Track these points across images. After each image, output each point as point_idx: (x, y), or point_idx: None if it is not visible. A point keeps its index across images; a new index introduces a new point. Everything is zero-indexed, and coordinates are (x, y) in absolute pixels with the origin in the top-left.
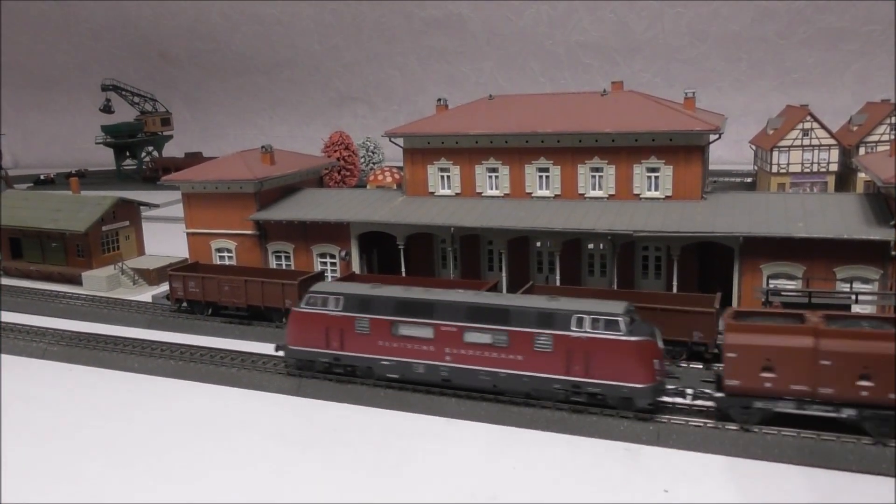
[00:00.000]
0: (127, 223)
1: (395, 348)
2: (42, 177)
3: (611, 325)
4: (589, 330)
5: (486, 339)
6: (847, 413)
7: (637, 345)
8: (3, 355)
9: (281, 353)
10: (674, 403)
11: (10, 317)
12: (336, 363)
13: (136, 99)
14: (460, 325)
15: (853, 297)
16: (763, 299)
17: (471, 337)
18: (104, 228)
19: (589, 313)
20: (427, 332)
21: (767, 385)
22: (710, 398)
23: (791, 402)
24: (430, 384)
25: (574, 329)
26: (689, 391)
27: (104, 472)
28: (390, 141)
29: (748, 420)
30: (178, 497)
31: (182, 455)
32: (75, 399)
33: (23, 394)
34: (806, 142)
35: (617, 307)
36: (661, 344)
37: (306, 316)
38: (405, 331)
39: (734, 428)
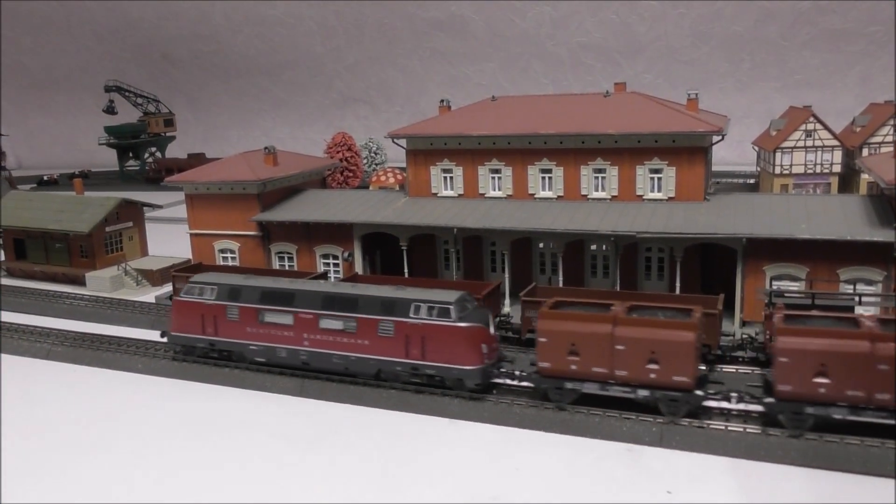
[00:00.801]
0: (130, 224)
1: (261, 334)
2: (45, 177)
3: (443, 312)
4: (424, 317)
5: (338, 325)
6: None
7: (466, 330)
8: (6, 356)
9: (165, 340)
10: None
11: (14, 317)
12: (212, 348)
13: (140, 100)
14: (316, 312)
15: (856, 298)
16: (766, 300)
17: (325, 323)
18: (108, 229)
19: (425, 302)
20: (287, 319)
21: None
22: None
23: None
24: (292, 367)
25: (412, 316)
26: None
27: (107, 473)
28: (393, 142)
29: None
30: (181, 498)
31: (185, 456)
32: (79, 399)
33: (26, 394)
34: (809, 143)
35: (451, 296)
36: (493, 330)
37: (185, 304)
38: (269, 318)
39: (737, 429)
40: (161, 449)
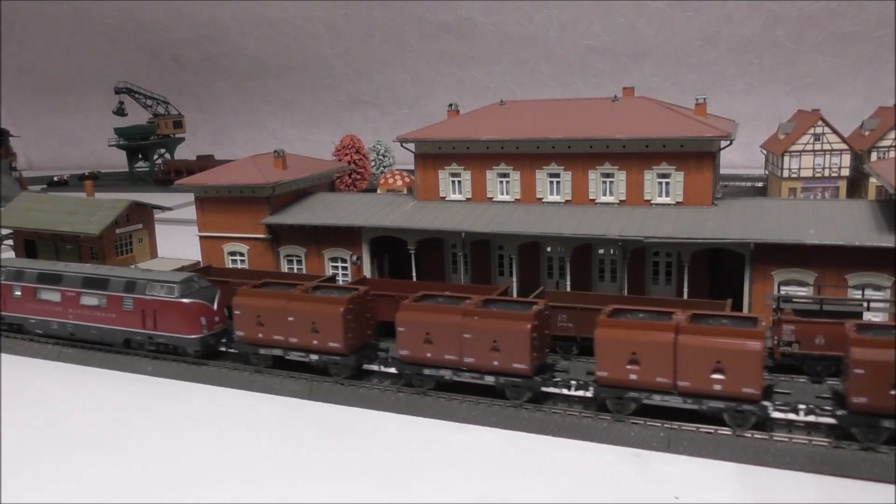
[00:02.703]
0: (140, 226)
1: (38, 309)
2: (56, 178)
3: (169, 290)
4: (156, 294)
5: (93, 301)
6: None
7: (188, 305)
8: (20, 357)
9: None
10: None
11: None
12: (2, 321)
13: (149, 102)
14: (77, 290)
15: (865, 304)
16: (774, 306)
17: (84, 300)
18: (118, 231)
19: (157, 281)
20: (56, 297)
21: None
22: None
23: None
24: (63, 338)
25: (147, 293)
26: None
27: (114, 474)
28: (402, 146)
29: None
30: (187, 500)
31: (193, 458)
32: (88, 401)
33: (37, 395)
34: (817, 146)
35: (178, 277)
36: (215, 306)
37: None
38: (43, 296)
39: (745, 435)
40: (168, 451)
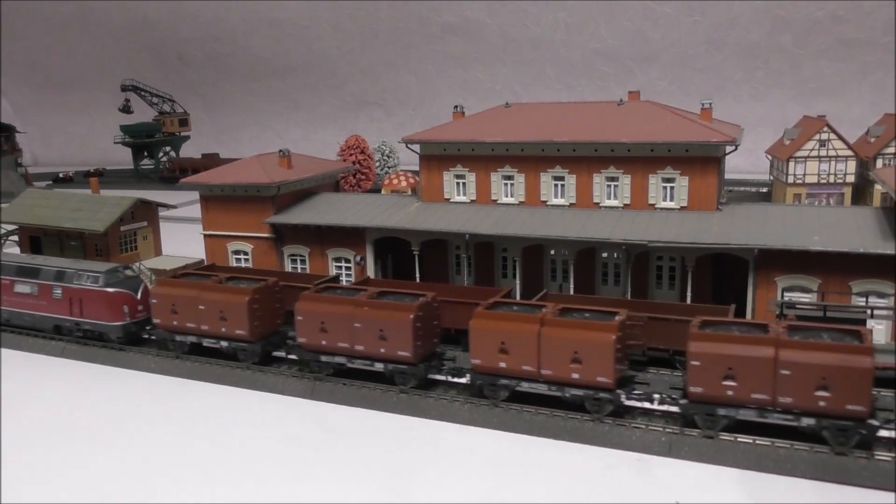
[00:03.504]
0: (145, 223)
1: None
2: (61, 175)
3: (94, 279)
4: (82, 284)
5: (26, 289)
6: None
7: (111, 294)
8: (22, 353)
9: None
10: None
11: None
12: None
13: (155, 100)
14: (12, 279)
15: (868, 311)
16: (777, 312)
17: (18, 288)
18: (122, 228)
19: (84, 271)
20: None
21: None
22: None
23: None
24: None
25: (74, 283)
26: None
27: (116, 472)
28: (407, 147)
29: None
30: (189, 498)
31: (194, 456)
32: (91, 398)
33: (40, 392)
34: (823, 153)
35: (103, 267)
36: (139, 296)
37: None
38: None
39: (747, 441)
40: (170, 449)
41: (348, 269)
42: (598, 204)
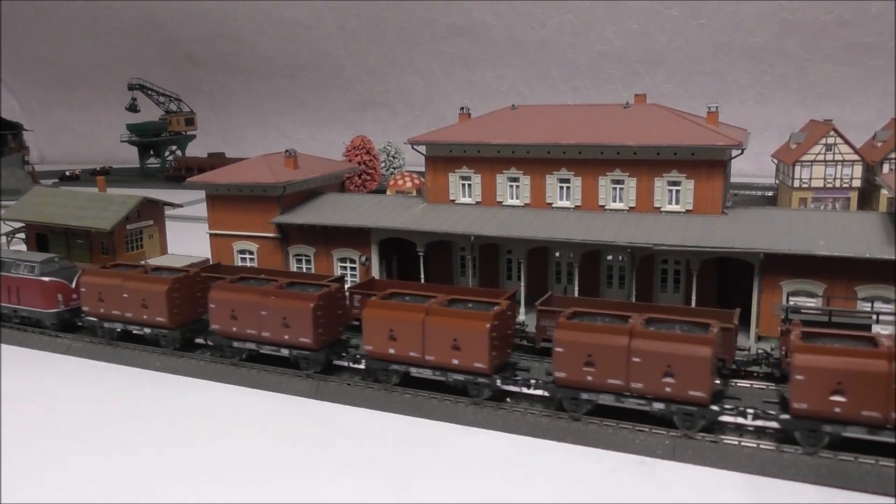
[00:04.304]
0: (151, 222)
1: None
2: (67, 173)
3: (30, 269)
4: (20, 273)
5: None
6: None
7: (45, 283)
8: (27, 350)
9: None
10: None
11: None
12: None
13: (162, 99)
14: None
15: (874, 316)
16: (783, 316)
17: None
18: (129, 227)
19: (21, 261)
20: None
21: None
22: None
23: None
24: None
25: (13, 271)
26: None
27: (118, 471)
28: (413, 148)
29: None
30: (191, 497)
31: (198, 455)
32: (95, 396)
33: (44, 389)
34: (829, 157)
35: (39, 257)
36: (73, 285)
37: None
38: None
39: (751, 445)
40: (174, 448)
41: (353, 269)
42: (603, 207)
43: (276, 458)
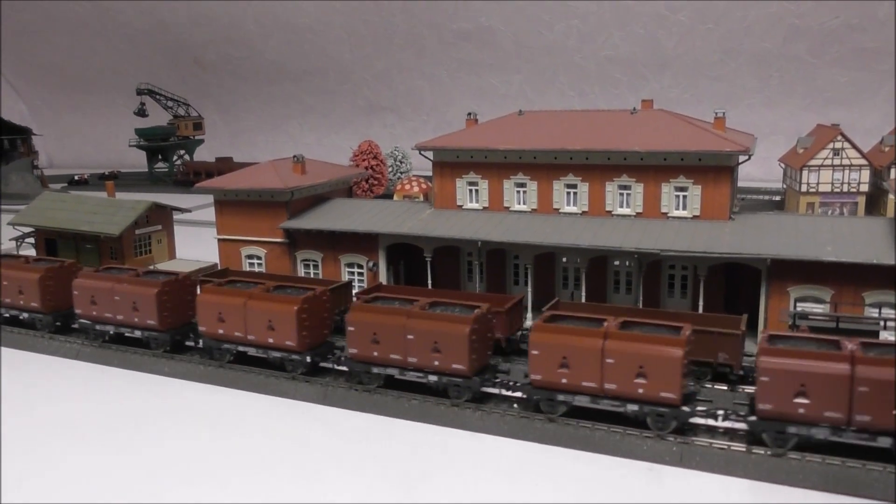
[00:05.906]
0: (159, 227)
1: None
2: (76, 177)
3: None
4: None
5: None
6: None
7: None
8: (37, 355)
9: None
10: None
11: None
12: None
13: (170, 103)
14: None
15: (882, 322)
16: (790, 322)
17: None
18: (137, 232)
19: None
20: None
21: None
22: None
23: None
24: None
25: None
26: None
27: (126, 473)
28: (420, 154)
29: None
30: (199, 499)
31: (205, 460)
32: (104, 400)
33: (54, 394)
34: (836, 162)
35: None
36: None
37: None
38: None
39: (759, 451)
40: (181, 452)
41: (361, 274)
42: (610, 212)
43: (284, 462)
